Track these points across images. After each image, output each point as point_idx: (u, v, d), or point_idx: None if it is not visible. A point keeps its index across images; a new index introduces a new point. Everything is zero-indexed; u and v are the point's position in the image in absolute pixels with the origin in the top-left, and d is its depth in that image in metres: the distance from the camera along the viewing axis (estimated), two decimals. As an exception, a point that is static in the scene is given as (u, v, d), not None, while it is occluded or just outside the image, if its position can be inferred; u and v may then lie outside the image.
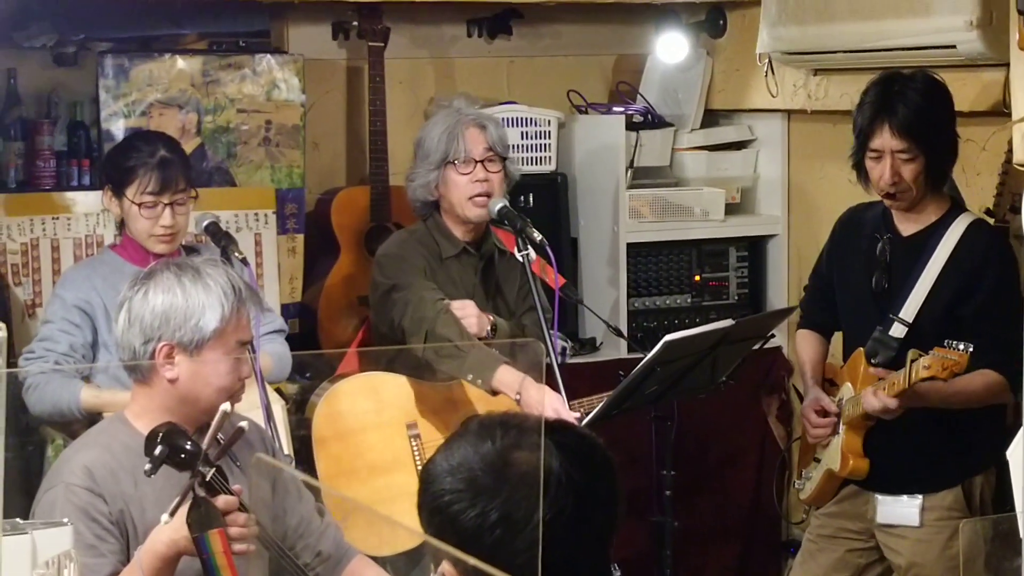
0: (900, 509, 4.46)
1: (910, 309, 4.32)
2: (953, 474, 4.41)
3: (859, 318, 4.51)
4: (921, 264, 4.33)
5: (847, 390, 4.48)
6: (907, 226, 4.41)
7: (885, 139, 4.22)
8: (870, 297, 4.44)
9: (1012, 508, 4.39)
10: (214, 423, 3.11)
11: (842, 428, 4.46)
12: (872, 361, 4.37)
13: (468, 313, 4.48)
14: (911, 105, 4.21)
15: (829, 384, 4.64)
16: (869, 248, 4.46)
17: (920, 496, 4.42)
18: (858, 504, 4.56)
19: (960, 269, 4.29)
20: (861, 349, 4.41)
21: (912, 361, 4.12)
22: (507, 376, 4.30)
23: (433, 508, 2.11)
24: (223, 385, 3.40)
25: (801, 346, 4.76)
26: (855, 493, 4.56)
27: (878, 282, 4.42)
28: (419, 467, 4.54)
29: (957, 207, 4.42)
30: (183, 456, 3.07)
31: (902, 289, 4.36)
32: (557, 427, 2.21)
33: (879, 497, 4.49)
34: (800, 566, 4.76)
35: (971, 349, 4.00)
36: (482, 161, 4.62)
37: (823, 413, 4.55)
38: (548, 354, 4.41)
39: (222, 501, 3.10)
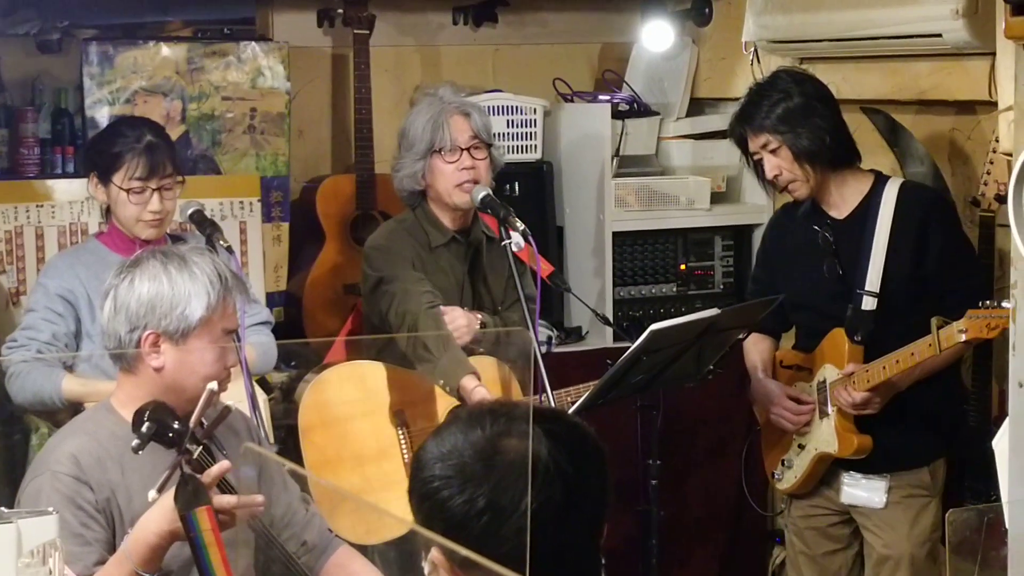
0: (864, 492, 4.54)
1: (873, 280, 4.44)
2: (921, 455, 4.51)
3: (817, 310, 4.61)
4: (867, 239, 4.46)
5: (830, 372, 4.53)
6: (838, 210, 4.56)
7: (751, 142, 4.53)
8: (826, 286, 4.54)
9: (968, 488, 4.47)
10: (201, 402, 3.10)
11: (832, 410, 4.50)
12: (855, 339, 4.43)
13: (457, 322, 4.48)
14: (757, 105, 4.50)
15: (797, 371, 4.68)
16: (810, 241, 4.58)
17: (885, 477, 4.51)
18: (827, 482, 4.65)
19: (907, 231, 4.43)
20: (839, 329, 4.49)
21: (939, 327, 4.18)
22: (468, 384, 4.35)
23: (423, 494, 2.11)
24: (209, 373, 3.38)
25: (750, 348, 4.86)
26: (824, 472, 4.65)
27: (830, 269, 4.52)
28: (406, 455, 4.54)
29: (881, 177, 4.56)
30: (170, 434, 3.07)
31: (856, 267, 4.46)
32: (548, 415, 2.21)
33: (844, 478, 4.57)
34: (799, 557, 4.80)
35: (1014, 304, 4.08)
36: (468, 148, 4.62)
37: (799, 400, 4.62)
38: (534, 346, 4.43)
39: (216, 469, 3.09)
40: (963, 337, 4.16)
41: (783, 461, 4.73)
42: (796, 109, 4.44)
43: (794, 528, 4.82)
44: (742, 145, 4.58)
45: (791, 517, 4.83)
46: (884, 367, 4.35)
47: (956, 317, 4.21)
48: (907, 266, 4.41)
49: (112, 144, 4.37)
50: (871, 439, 4.49)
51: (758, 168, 4.55)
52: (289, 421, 4.64)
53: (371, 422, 4.58)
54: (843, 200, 4.53)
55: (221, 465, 3.12)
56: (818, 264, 4.54)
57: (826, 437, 4.55)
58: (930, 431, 4.49)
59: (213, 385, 3.13)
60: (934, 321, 4.22)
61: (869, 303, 4.41)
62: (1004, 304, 4.08)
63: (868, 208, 4.48)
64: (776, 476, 4.77)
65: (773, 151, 4.46)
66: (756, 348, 4.83)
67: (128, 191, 4.32)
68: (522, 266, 4.57)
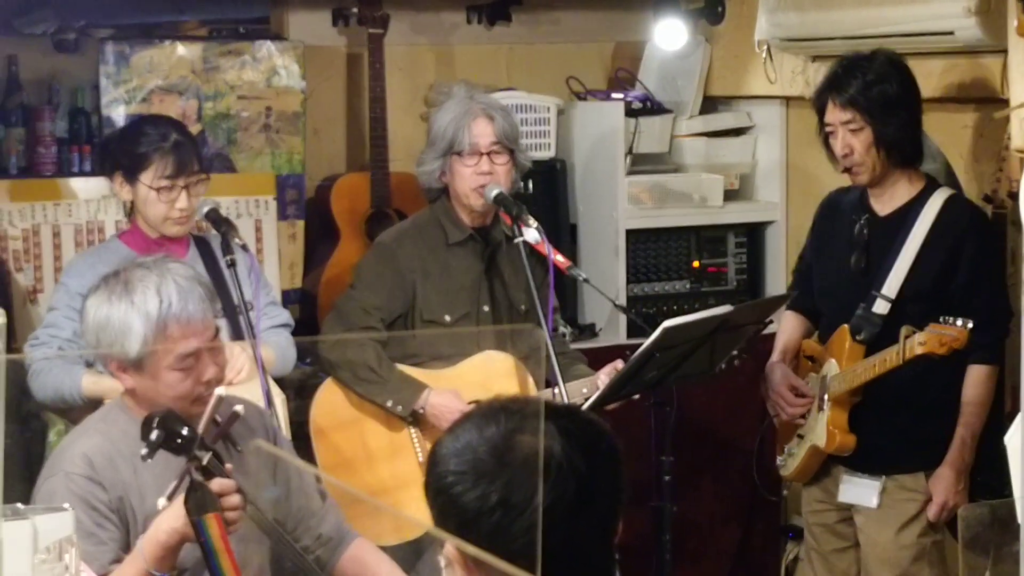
0: (860, 490, 4.54)
1: (892, 286, 4.40)
2: (921, 459, 4.48)
3: (838, 299, 4.59)
4: (900, 242, 4.42)
5: (831, 367, 4.54)
6: (883, 206, 4.51)
7: (833, 113, 4.40)
8: (849, 277, 4.53)
9: (980, 484, 4.47)
10: (209, 407, 3.11)
11: (827, 404, 4.51)
12: (857, 338, 4.44)
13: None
14: (857, 79, 4.37)
15: (810, 362, 4.69)
16: (848, 230, 4.55)
17: (882, 478, 4.50)
18: (828, 479, 4.67)
19: (941, 244, 4.39)
20: (845, 326, 4.48)
21: (906, 337, 4.19)
22: (437, 399, 4.54)
23: (437, 489, 2.12)
24: (179, 394, 3.33)
25: (782, 325, 4.85)
26: (826, 469, 4.66)
27: (856, 262, 4.51)
28: (419, 454, 4.56)
29: (932, 184, 4.50)
30: (179, 441, 3.07)
31: (881, 267, 4.44)
32: (563, 412, 2.21)
33: (844, 475, 4.59)
34: (811, 553, 4.82)
35: (970, 325, 4.08)
36: (487, 153, 4.61)
37: (797, 392, 4.62)
38: (546, 342, 4.44)
39: (217, 484, 3.10)
40: (920, 350, 4.16)
41: (786, 448, 4.76)
42: (892, 97, 4.35)
43: (806, 524, 4.84)
44: (821, 112, 4.46)
45: (804, 513, 4.85)
46: (859, 371, 4.38)
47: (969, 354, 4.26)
48: (930, 278, 4.38)
49: (138, 144, 4.38)
50: (855, 439, 4.49)
51: (827, 140, 4.46)
52: (304, 418, 4.66)
53: (384, 421, 4.60)
54: (891, 198, 4.47)
55: (223, 483, 3.13)
56: (848, 255, 4.52)
57: (818, 431, 4.56)
58: (931, 437, 4.44)
59: (221, 391, 3.13)
60: (903, 330, 4.22)
61: (882, 306, 4.39)
62: (959, 323, 4.10)
63: (910, 212, 4.43)
64: (779, 462, 4.80)
65: (854, 130, 4.36)
66: (785, 328, 4.84)
67: (158, 190, 4.34)
68: (539, 270, 4.57)
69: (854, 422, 4.49)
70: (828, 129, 4.44)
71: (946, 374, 4.35)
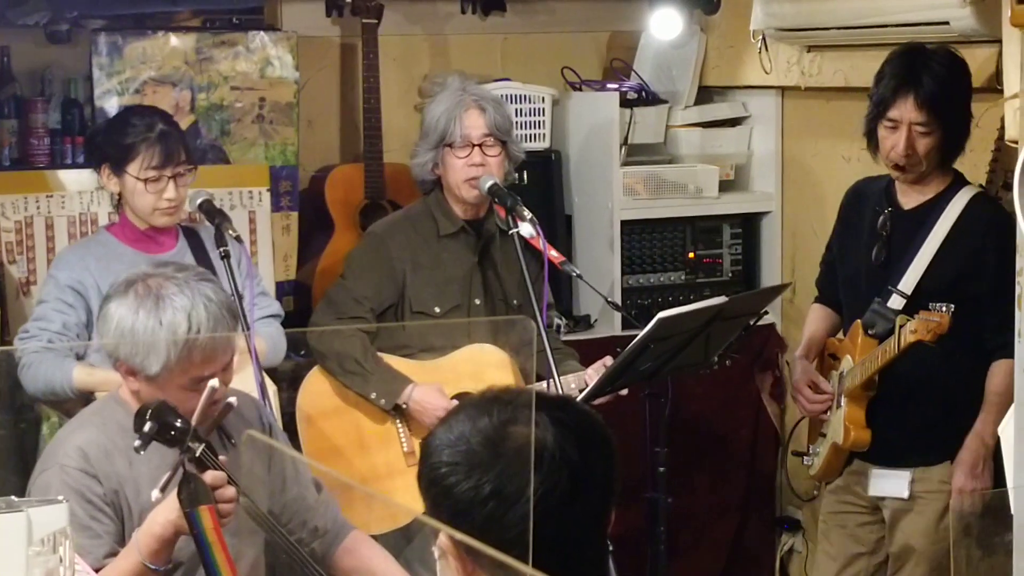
0: (891, 482, 4.50)
1: (909, 281, 4.35)
2: (945, 451, 4.44)
3: (858, 291, 4.54)
4: (921, 237, 4.36)
5: (847, 362, 4.51)
6: (909, 199, 4.44)
7: (906, 110, 4.26)
8: (869, 270, 4.48)
9: (1004, 484, 4.44)
10: (203, 399, 3.11)
11: (844, 400, 4.49)
12: (869, 332, 4.40)
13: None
14: (937, 79, 4.25)
15: (832, 359, 4.67)
16: (871, 222, 4.50)
17: (912, 469, 4.45)
18: (857, 477, 4.61)
19: (963, 243, 4.33)
20: (859, 321, 4.44)
21: (900, 327, 4.17)
22: (417, 395, 4.54)
23: (430, 479, 2.12)
24: (186, 410, 3.27)
25: (808, 318, 4.83)
26: (856, 466, 4.61)
27: (877, 255, 4.45)
28: (404, 443, 4.56)
29: (959, 181, 4.43)
30: (172, 432, 3.07)
31: (901, 262, 4.39)
32: (556, 403, 2.21)
33: (872, 471, 4.53)
34: (820, 550, 4.80)
35: (952, 308, 4.05)
36: (479, 144, 4.61)
37: (817, 388, 4.60)
38: (540, 335, 4.42)
39: (210, 476, 3.10)
40: (912, 337, 4.12)
41: (811, 448, 4.74)
42: (962, 103, 4.29)
43: (823, 527, 4.78)
44: (886, 105, 4.31)
45: (823, 513, 4.80)
46: (866, 364, 4.36)
47: (990, 339, 4.25)
48: (948, 277, 4.32)
49: (124, 135, 4.38)
50: (870, 434, 4.45)
51: (873, 130, 4.34)
52: (295, 409, 4.66)
53: (370, 410, 4.60)
54: (919, 192, 4.39)
55: (216, 475, 3.13)
56: (870, 247, 4.47)
57: (836, 427, 4.54)
58: (952, 431, 4.40)
59: (215, 383, 3.13)
60: (898, 320, 4.20)
61: (896, 302, 4.34)
62: (942, 308, 4.08)
63: (933, 208, 4.36)
64: (807, 461, 4.77)
65: (923, 132, 4.25)
66: (810, 322, 4.80)
67: (145, 181, 4.34)
68: (533, 264, 4.56)
69: (875, 419, 4.46)
70: (890, 125, 4.30)
71: (963, 368, 4.33)
